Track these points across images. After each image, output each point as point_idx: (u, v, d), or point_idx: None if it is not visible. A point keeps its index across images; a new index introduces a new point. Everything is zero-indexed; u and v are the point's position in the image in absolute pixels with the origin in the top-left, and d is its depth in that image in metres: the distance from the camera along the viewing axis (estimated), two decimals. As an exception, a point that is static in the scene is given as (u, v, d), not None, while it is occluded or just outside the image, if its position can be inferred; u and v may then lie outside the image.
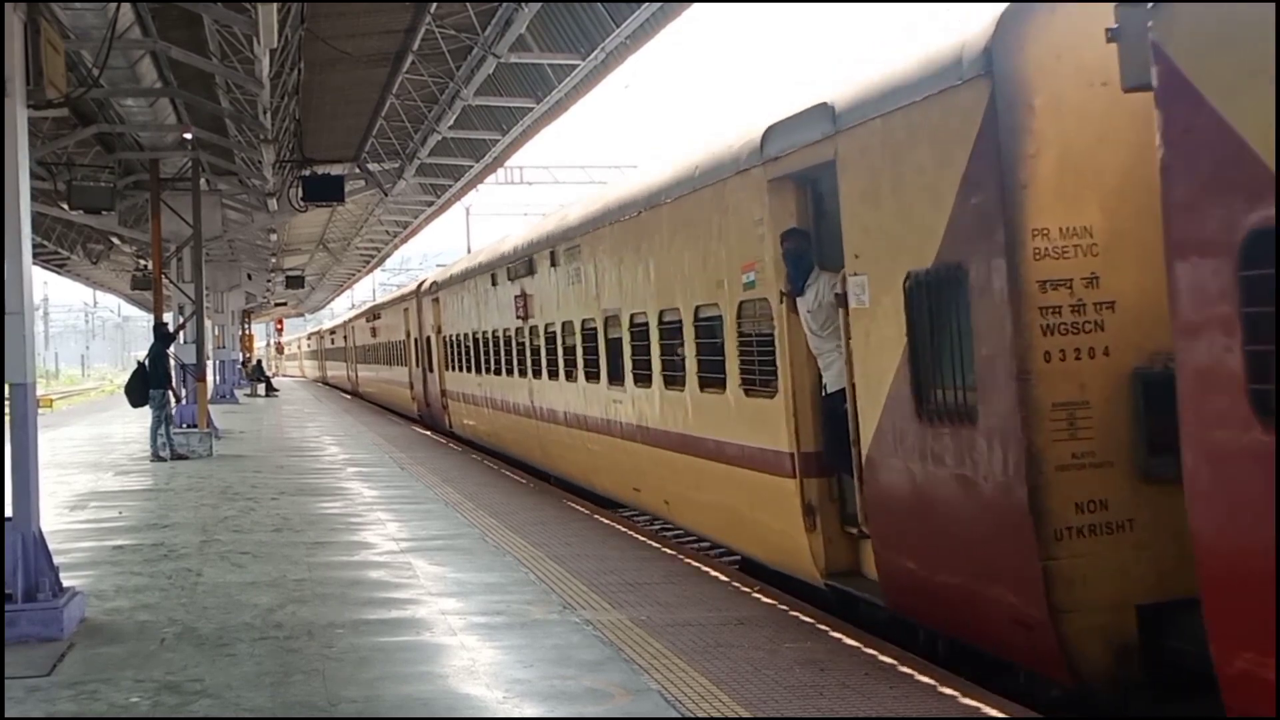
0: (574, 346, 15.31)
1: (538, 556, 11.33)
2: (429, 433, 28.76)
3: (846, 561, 8.99)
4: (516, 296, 17.96)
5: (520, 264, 17.95)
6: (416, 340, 30.60)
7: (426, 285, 29.35)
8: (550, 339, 16.53)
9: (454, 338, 24.99)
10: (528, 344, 17.92)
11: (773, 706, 6.64)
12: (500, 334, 19.86)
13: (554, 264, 15.95)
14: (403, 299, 34.24)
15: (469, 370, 23.40)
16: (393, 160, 29.85)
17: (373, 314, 43.65)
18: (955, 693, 6.89)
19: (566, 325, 15.63)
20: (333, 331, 67.83)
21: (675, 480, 12.06)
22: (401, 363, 34.63)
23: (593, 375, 14.60)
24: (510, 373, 19.45)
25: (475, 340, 22.38)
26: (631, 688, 7.06)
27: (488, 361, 21.25)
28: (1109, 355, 6.41)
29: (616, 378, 13.63)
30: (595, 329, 14.27)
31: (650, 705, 6.76)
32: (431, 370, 28.48)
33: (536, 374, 17.51)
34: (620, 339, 13.32)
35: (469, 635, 8.40)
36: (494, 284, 19.86)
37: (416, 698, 6.98)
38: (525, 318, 17.69)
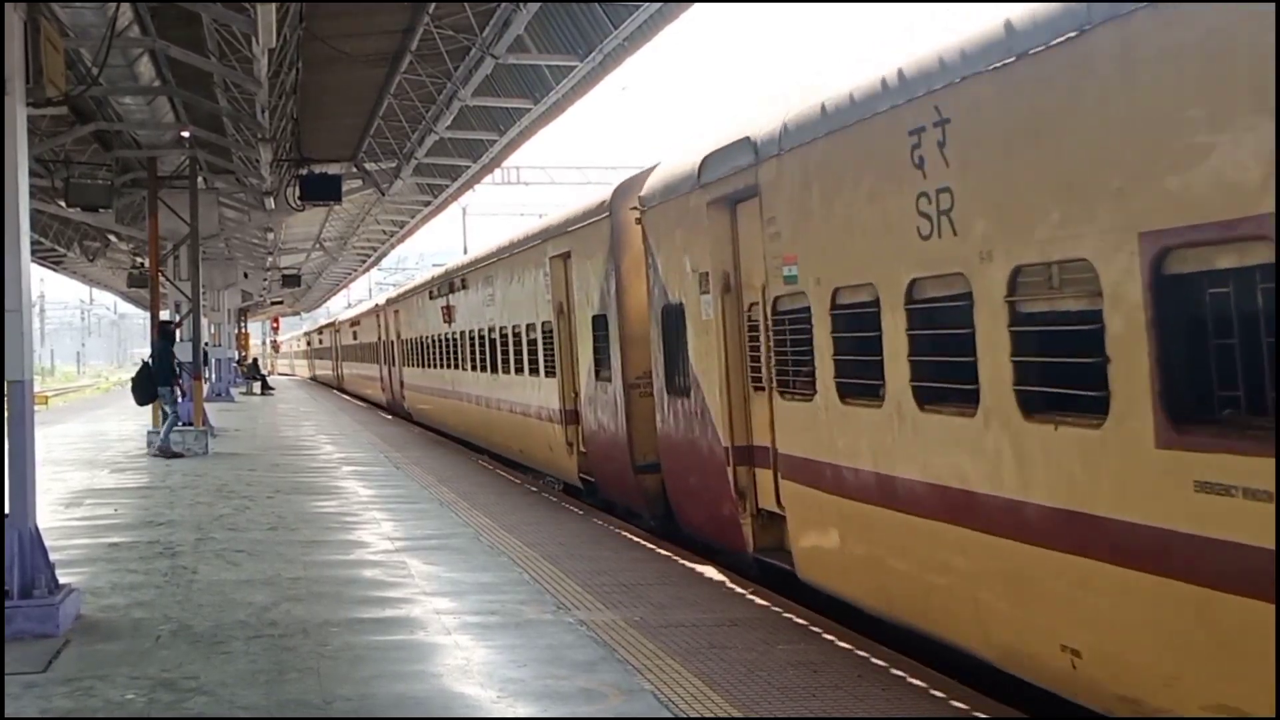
0: None
1: (532, 557, 11.36)
2: None
3: None
4: None
5: None
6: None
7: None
8: None
9: None
10: None
11: (766, 708, 6.67)
12: None
13: None
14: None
15: None
16: (390, 160, 29.84)
17: (509, 248, 19.62)
18: (947, 695, 6.93)
19: None
20: (377, 312, 40.44)
21: None
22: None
23: None
24: None
25: None
26: (625, 688, 7.09)
27: None
28: None
29: None
30: None
31: (644, 706, 6.78)
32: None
33: None
34: None
35: (463, 635, 8.43)
36: None
37: (410, 696, 7.01)
38: None
